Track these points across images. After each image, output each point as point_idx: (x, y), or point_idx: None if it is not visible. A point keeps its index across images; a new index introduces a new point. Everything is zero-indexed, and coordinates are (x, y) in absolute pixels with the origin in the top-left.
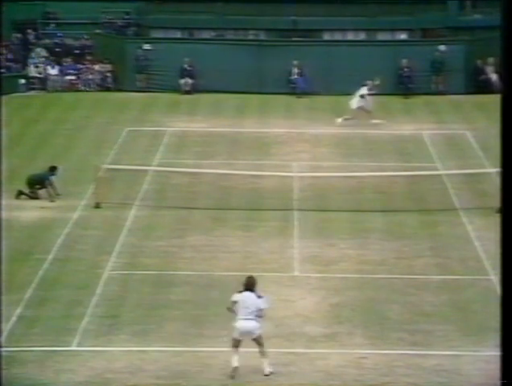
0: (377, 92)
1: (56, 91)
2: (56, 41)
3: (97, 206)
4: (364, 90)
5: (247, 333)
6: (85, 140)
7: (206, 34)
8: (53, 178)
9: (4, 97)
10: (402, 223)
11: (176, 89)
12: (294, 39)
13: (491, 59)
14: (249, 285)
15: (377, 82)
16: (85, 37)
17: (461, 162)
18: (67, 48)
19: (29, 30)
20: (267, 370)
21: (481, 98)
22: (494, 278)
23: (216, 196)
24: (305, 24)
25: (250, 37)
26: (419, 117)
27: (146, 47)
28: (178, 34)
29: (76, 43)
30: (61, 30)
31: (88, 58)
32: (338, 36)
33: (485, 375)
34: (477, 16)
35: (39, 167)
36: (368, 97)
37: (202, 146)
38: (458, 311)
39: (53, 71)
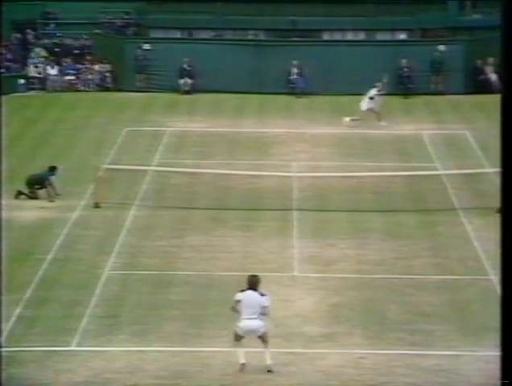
0: (387, 92)
1: (56, 91)
2: (56, 41)
3: (97, 206)
4: (373, 91)
5: (251, 332)
6: (85, 140)
7: (205, 34)
8: (53, 178)
9: (3, 97)
10: (401, 223)
11: (176, 89)
12: (293, 39)
13: (491, 59)
14: (253, 284)
15: (385, 80)
16: (85, 37)
17: (460, 162)
18: (66, 48)
19: (28, 30)
20: (269, 361)
21: (480, 98)
22: (494, 278)
23: (216, 196)
24: (304, 24)
25: (250, 37)
26: (418, 117)
27: (146, 47)
28: (177, 34)
29: (76, 43)
30: (61, 30)
31: (88, 58)
32: (337, 36)
33: (484, 375)
34: (477, 16)
35: (38, 167)
36: (377, 98)
37: (201, 146)
38: (457, 311)
39: (53, 71)
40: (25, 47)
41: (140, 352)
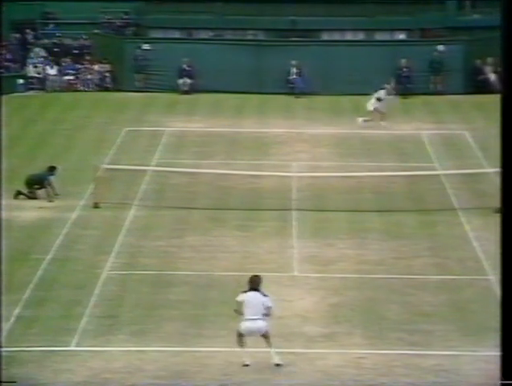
0: (394, 95)
1: (55, 91)
2: (55, 41)
3: (96, 206)
4: (381, 93)
5: (254, 332)
6: (84, 140)
7: (205, 34)
8: (52, 178)
9: (3, 97)
10: (400, 223)
11: (175, 89)
12: (292, 38)
13: (490, 59)
14: (255, 284)
15: (392, 84)
16: (84, 37)
17: (460, 162)
18: (65, 48)
19: (28, 30)
20: (276, 360)
21: (479, 98)
22: (493, 278)
23: (215, 196)
24: (304, 24)
25: (249, 37)
26: (417, 117)
27: (145, 47)
28: (177, 34)
29: (75, 43)
30: (60, 30)
31: (87, 58)
32: (337, 36)
33: (483, 375)
34: (476, 16)
35: (37, 167)
36: (384, 100)
37: (201, 146)
38: (457, 311)
39: (52, 71)
40: (24, 47)
41: (139, 352)
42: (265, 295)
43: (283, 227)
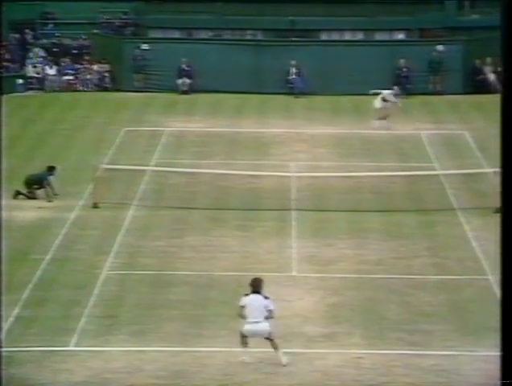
0: (398, 99)
1: (54, 91)
2: (54, 41)
3: (95, 206)
4: (388, 94)
5: (258, 334)
6: (83, 140)
7: (204, 34)
8: (51, 178)
9: (2, 97)
10: (400, 223)
11: (174, 89)
12: (292, 39)
13: (489, 59)
14: (256, 287)
15: (397, 88)
16: (83, 37)
17: (459, 162)
18: (65, 48)
19: (27, 30)
20: (284, 360)
21: (478, 98)
22: (492, 278)
23: (215, 196)
24: (303, 24)
25: (248, 37)
26: (416, 117)
27: (144, 47)
28: (176, 34)
29: (74, 43)
30: (59, 30)
31: (86, 58)
32: (336, 36)
33: (483, 375)
34: (475, 16)
35: (37, 167)
36: (390, 101)
37: (200, 146)
38: (456, 311)
39: (51, 71)
40: (23, 47)
41: (139, 352)
42: (266, 297)
43: (283, 227)
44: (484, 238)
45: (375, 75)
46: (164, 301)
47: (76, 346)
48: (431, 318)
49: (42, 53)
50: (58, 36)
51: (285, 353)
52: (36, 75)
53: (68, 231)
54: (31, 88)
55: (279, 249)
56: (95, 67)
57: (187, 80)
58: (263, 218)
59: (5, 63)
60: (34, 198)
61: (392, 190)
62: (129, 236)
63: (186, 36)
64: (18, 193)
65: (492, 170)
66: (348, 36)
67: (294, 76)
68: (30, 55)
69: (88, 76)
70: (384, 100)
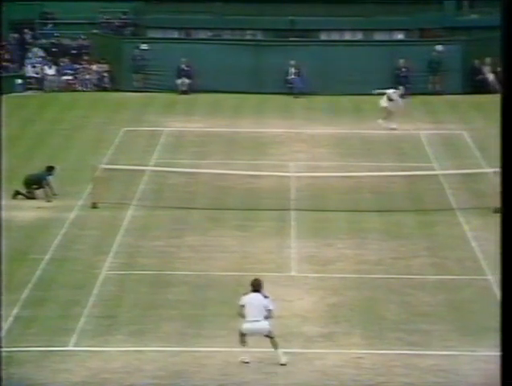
0: (403, 99)
1: (53, 91)
2: (53, 41)
3: (94, 206)
4: (393, 93)
5: (257, 333)
6: (82, 140)
7: (203, 34)
8: (50, 178)
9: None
10: (399, 223)
11: (173, 89)
12: (291, 38)
13: (488, 59)
14: (256, 287)
15: (402, 88)
16: (82, 37)
17: (458, 162)
18: (64, 48)
19: (26, 30)
20: (283, 359)
21: (477, 98)
22: (491, 278)
23: (214, 196)
24: (302, 24)
25: (248, 37)
26: (416, 117)
27: (143, 46)
28: (175, 34)
29: (74, 43)
30: (58, 30)
31: (86, 58)
32: (335, 36)
33: (482, 375)
34: (474, 16)
35: (36, 167)
36: (395, 101)
37: (199, 146)
38: (455, 311)
39: (50, 71)
40: (23, 47)
41: (138, 352)
42: (266, 297)
43: (282, 227)
44: (483, 238)
45: (375, 75)
46: (163, 301)
47: (75, 347)
48: (430, 318)
49: (41, 53)
50: (57, 36)
51: (284, 353)
52: (35, 75)
53: (67, 231)
54: (30, 88)
55: (278, 249)
56: (94, 67)
57: (187, 80)
58: (262, 218)
59: (4, 63)
60: (33, 198)
61: (391, 191)
62: (128, 236)
63: (185, 36)
64: (17, 193)
65: (491, 170)
66: (347, 36)
67: (293, 76)
68: (30, 55)
69: (88, 76)
70: (389, 99)
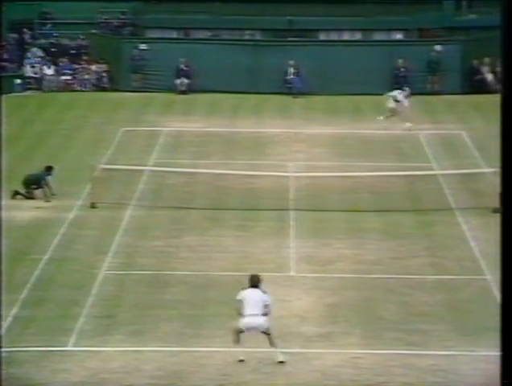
0: (409, 99)
1: (52, 91)
2: (52, 41)
3: (93, 206)
4: (399, 94)
5: (255, 328)
6: (81, 140)
7: (202, 34)
8: (49, 178)
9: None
10: (398, 223)
11: (172, 89)
12: (290, 38)
13: (487, 59)
14: (255, 282)
15: (407, 89)
16: (81, 37)
17: (457, 162)
18: (63, 48)
19: (25, 30)
20: (280, 357)
21: (476, 98)
22: (490, 278)
23: (213, 196)
24: (301, 24)
25: (246, 37)
26: (414, 117)
27: (142, 47)
28: (174, 34)
29: (72, 43)
30: (57, 30)
31: (84, 58)
32: (334, 36)
33: (481, 375)
34: (473, 16)
35: (34, 167)
36: (402, 102)
37: (198, 146)
38: (454, 311)
39: (49, 71)
40: (21, 47)
41: (137, 352)
42: (264, 292)
43: (281, 227)
44: (482, 238)
45: (373, 75)
46: (162, 301)
47: (74, 347)
48: (429, 317)
49: (40, 53)
50: (56, 36)
51: (283, 353)
52: (34, 76)
53: (66, 231)
54: (29, 88)
55: (277, 249)
56: (93, 67)
57: (186, 80)
58: (261, 218)
59: (3, 63)
60: (32, 198)
61: (390, 190)
62: (127, 236)
63: (184, 36)
64: (16, 193)
65: (490, 170)
66: (346, 36)
67: (292, 76)
68: (29, 55)
69: (86, 76)
70: (396, 100)
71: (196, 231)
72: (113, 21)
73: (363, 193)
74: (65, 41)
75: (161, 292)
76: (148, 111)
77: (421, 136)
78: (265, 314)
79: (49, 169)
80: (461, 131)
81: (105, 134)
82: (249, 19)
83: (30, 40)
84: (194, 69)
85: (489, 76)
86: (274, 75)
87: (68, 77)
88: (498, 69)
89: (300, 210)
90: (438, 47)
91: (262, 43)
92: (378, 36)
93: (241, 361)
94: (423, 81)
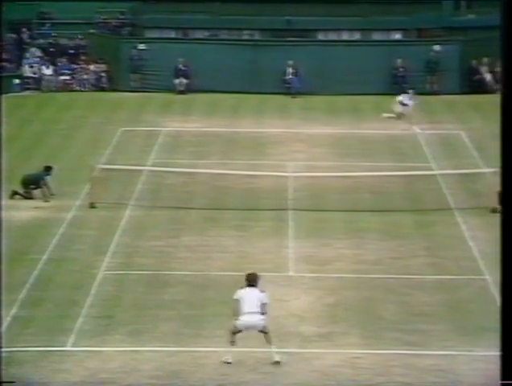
0: (416, 101)
1: (51, 91)
2: (51, 41)
3: (92, 206)
4: (404, 98)
5: (252, 327)
6: (80, 140)
7: (200, 34)
8: (48, 178)
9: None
10: (397, 223)
11: (171, 89)
12: (288, 38)
13: (485, 59)
14: (252, 281)
15: (412, 91)
16: (80, 37)
17: (456, 162)
18: (61, 48)
19: (24, 30)
20: (276, 357)
21: (475, 98)
22: (489, 278)
23: (211, 196)
24: (300, 24)
25: (245, 37)
26: (413, 117)
27: (141, 46)
28: (172, 34)
29: (71, 43)
30: (56, 30)
31: (83, 58)
32: (333, 36)
33: (480, 375)
34: (472, 16)
35: (33, 167)
36: (408, 105)
37: (197, 146)
38: (453, 311)
39: (48, 71)
40: (20, 47)
41: (135, 352)
42: (262, 291)
43: (280, 227)
44: (481, 238)
45: (372, 75)
46: (161, 301)
47: (73, 347)
48: (428, 317)
49: (38, 53)
50: (55, 36)
51: (282, 353)
52: (33, 75)
53: (64, 231)
54: (28, 88)
55: (276, 249)
56: (92, 67)
57: (184, 80)
58: (260, 218)
59: (1, 63)
60: (30, 198)
61: (389, 190)
62: (126, 236)
63: (183, 36)
64: (14, 193)
65: (488, 169)
66: (345, 36)
67: (291, 76)
68: (27, 55)
69: (85, 76)
70: (402, 104)
71: (194, 231)
72: (112, 21)
73: (362, 193)
74: (64, 41)
75: (160, 292)
76: (147, 111)
77: (420, 136)
78: (262, 313)
79: (48, 169)
80: (460, 131)
81: (104, 134)
82: (247, 19)
83: (28, 40)
84: (193, 69)
85: (488, 76)
86: (273, 75)
87: (67, 77)
88: (497, 69)
89: (300, 210)
90: (437, 47)
91: (260, 43)
92: (377, 36)
93: (229, 363)
94: (421, 81)
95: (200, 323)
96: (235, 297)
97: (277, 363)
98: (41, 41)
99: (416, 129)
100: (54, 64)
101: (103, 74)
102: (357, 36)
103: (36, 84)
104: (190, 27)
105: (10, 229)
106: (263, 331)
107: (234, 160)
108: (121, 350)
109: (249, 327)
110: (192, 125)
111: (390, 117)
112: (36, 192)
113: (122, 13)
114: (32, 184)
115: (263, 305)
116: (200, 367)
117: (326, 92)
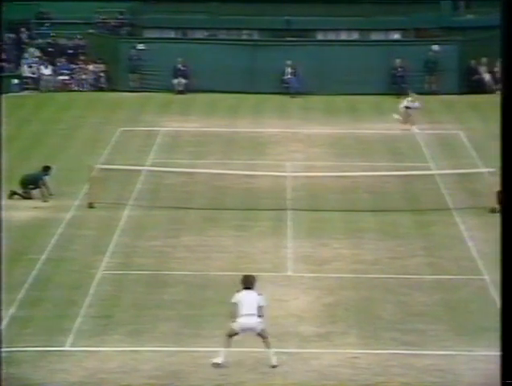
0: (419, 104)
1: (49, 91)
2: (50, 41)
3: (91, 206)
4: (408, 102)
5: (249, 329)
6: (79, 140)
7: (199, 34)
8: (47, 178)
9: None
10: (395, 223)
11: (170, 89)
12: (287, 38)
13: (484, 59)
14: (248, 283)
15: (414, 93)
16: (79, 37)
17: (454, 162)
18: (60, 48)
19: (22, 30)
20: (274, 362)
21: (474, 98)
22: (487, 278)
23: (210, 196)
24: (299, 24)
25: (244, 37)
26: (412, 117)
27: (140, 46)
28: (171, 34)
29: (70, 43)
30: (55, 30)
31: (82, 58)
32: (332, 36)
33: (479, 375)
34: (470, 16)
35: (32, 167)
36: (413, 108)
37: (196, 146)
38: (451, 311)
39: (46, 71)
40: (19, 47)
41: (134, 352)
42: (259, 294)
43: (278, 227)
44: (479, 238)
45: (371, 75)
46: (160, 301)
47: (71, 347)
48: (427, 317)
49: (37, 53)
50: (53, 36)
51: (281, 353)
52: (32, 75)
53: (63, 231)
54: (27, 88)
55: (275, 249)
56: (90, 67)
57: (183, 80)
58: (259, 218)
59: (0, 63)
60: (29, 198)
61: (387, 190)
62: (124, 236)
63: (182, 36)
64: (13, 193)
65: (487, 170)
66: (344, 36)
67: (289, 76)
68: (26, 55)
69: (84, 76)
70: (407, 107)
71: (193, 231)
72: (111, 21)
73: (361, 193)
74: (63, 41)
75: (159, 292)
76: (146, 111)
77: (418, 136)
78: (259, 316)
79: (47, 169)
80: (459, 131)
81: (103, 134)
82: (246, 19)
83: (27, 40)
84: (192, 69)
85: (487, 76)
86: (272, 75)
87: (66, 77)
88: (496, 69)
89: (298, 210)
90: (435, 47)
91: (259, 43)
92: (376, 36)
93: (217, 364)
94: (420, 81)
95: (199, 323)
96: (233, 300)
97: (274, 367)
98: (40, 41)
99: (415, 129)
100: (53, 64)
101: (102, 74)
102: (355, 36)
103: (35, 84)
104: (189, 27)
105: (9, 229)
106: (262, 336)
107: (233, 160)
108: (120, 350)
109: (246, 329)
110: (191, 125)
111: (398, 119)
112: (35, 192)
113: (121, 13)
114: (31, 184)
115: (260, 307)
116: (200, 367)
117: (325, 92)
